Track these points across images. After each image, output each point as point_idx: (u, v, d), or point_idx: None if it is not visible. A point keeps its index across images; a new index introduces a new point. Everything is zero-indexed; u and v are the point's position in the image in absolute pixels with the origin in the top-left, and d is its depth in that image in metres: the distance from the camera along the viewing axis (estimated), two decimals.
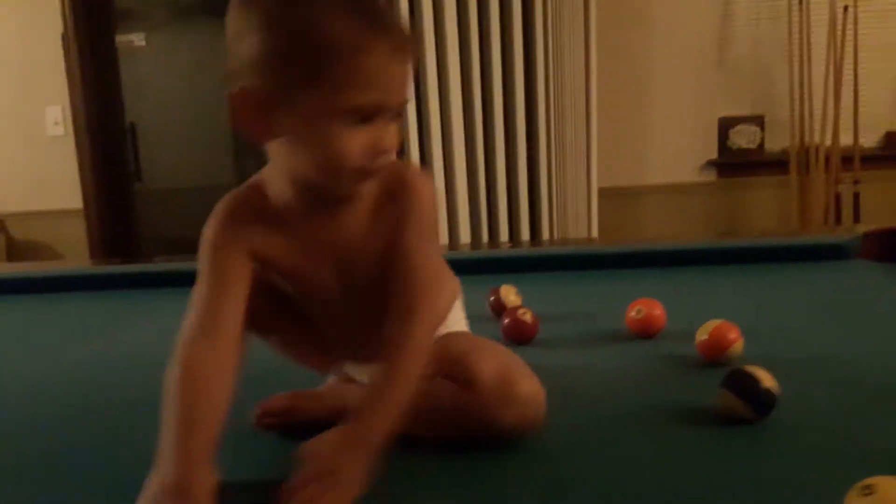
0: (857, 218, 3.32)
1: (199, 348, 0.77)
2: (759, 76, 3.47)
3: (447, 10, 3.13)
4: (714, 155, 3.50)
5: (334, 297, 0.85)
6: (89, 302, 1.80)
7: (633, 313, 1.23)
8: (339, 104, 0.71)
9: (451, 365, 0.83)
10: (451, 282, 0.97)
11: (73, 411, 1.05)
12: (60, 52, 3.53)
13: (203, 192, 3.88)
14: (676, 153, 3.49)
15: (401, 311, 0.79)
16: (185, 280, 1.77)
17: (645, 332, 1.22)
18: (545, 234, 3.28)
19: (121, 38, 3.72)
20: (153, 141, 3.81)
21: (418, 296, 0.79)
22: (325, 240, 0.82)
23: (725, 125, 3.48)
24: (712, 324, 1.08)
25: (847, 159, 3.31)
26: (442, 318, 0.91)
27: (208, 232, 0.82)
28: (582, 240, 3.01)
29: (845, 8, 3.21)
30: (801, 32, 3.26)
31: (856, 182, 3.33)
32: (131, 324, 1.60)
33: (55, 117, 3.60)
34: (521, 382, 0.81)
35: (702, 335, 1.08)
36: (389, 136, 0.75)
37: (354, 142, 0.73)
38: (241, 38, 0.73)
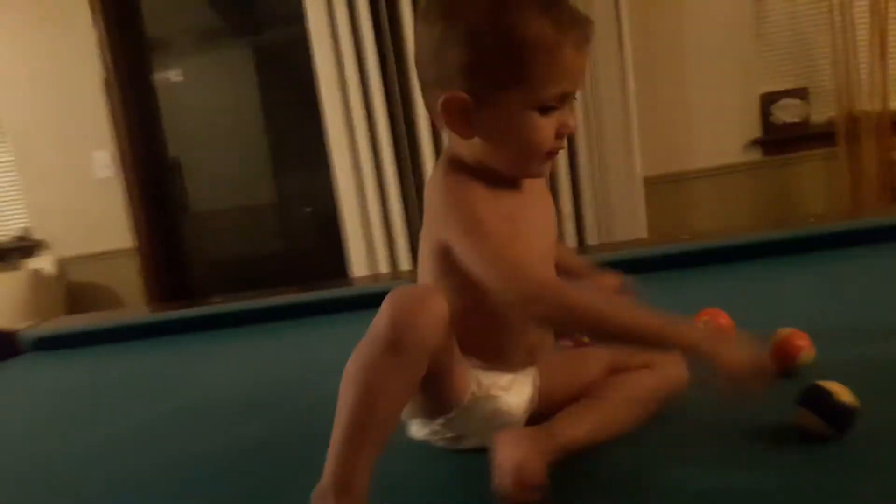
0: None
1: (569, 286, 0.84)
2: (799, 47, 3.38)
3: None
4: (758, 133, 3.42)
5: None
6: (153, 350, 1.83)
7: (699, 324, 1.21)
8: (536, 99, 0.82)
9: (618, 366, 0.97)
10: None
11: (174, 471, 1.08)
12: (101, 96, 3.62)
13: (247, 211, 4.00)
14: (719, 134, 3.42)
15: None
16: (245, 319, 1.83)
17: None
18: (592, 234, 3.24)
19: (158, 76, 3.80)
20: (196, 170, 3.89)
21: None
22: (527, 215, 0.91)
23: (768, 101, 3.40)
24: (780, 333, 1.06)
25: None
26: None
27: (469, 201, 0.85)
28: (632, 241, 2.96)
29: None
30: None
31: None
32: (199, 370, 1.63)
33: (103, 161, 3.70)
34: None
35: (770, 345, 1.06)
36: (572, 117, 0.86)
37: (547, 130, 0.84)
38: (447, 48, 0.82)
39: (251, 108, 3.82)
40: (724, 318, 1.20)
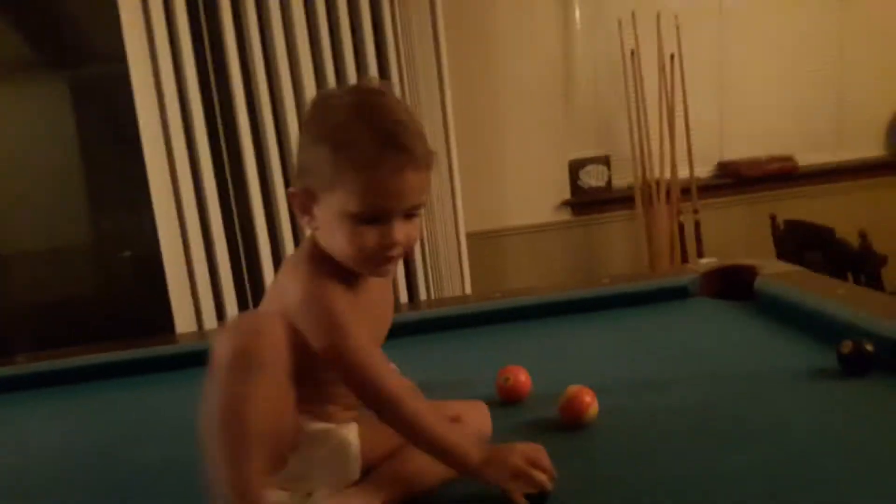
0: (699, 243, 3.64)
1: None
2: (602, 120, 3.77)
3: (303, 67, 3.18)
4: (567, 195, 3.74)
5: None
6: None
7: (501, 381, 1.33)
8: (351, 208, 0.91)
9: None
10: None
11: None
12: None
13: (59, 252, 3.74)
14: (533, 196, 3.71)
15: None
16: (52, 380, 1.71)
17: (514, 399, 1.31)
18: (422, 289, 3.33)
19: None
20: (3, 211, 3.61)
21: None
22: (365, 303, 1.01)
23: (576, 166, 3.73)
24: (569, 391, 1.19)
25: (686, 190, 3.63)
26: None
27: (328, 302, 0.94)
28: (452, 299, 3.08)
29: (672, 56, 3.54)
30: (634, 78, 3.56)
31: (695, 211, 3.65)
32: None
33: None
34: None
35: (561, 402, 1.19)
36: (397, 232, 0.94)
37: (365, 237, 0.93)
38: (300, 150, 0.98)
39: (67, 145, 3.61)
40: (523, 374, 1.33)
